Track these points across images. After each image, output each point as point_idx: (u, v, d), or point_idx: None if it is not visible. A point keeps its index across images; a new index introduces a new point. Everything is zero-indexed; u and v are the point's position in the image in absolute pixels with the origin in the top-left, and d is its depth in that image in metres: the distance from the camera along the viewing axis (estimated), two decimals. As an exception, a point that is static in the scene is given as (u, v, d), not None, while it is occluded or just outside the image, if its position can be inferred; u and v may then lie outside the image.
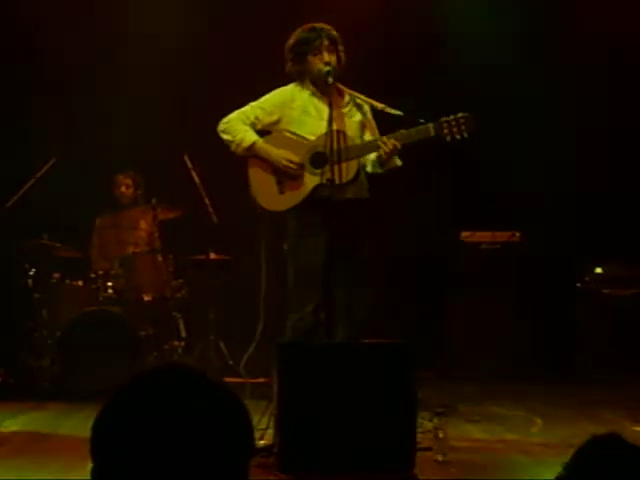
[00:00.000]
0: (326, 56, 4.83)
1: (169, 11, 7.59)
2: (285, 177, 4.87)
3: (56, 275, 6.62)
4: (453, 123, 4.62)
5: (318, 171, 4.78)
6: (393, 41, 7.55)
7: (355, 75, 4.95)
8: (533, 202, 7.50)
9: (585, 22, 7.51)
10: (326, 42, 4.84)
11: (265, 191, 4.90)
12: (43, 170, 6.67)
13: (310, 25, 4.91)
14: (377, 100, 4.89)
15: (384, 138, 4.71)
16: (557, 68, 7.58)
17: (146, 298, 6.67)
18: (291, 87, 4.96)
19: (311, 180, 4.83)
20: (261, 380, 5.54)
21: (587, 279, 7.45)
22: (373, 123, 4.94)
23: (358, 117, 4.93)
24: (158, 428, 1.26)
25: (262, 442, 4.33)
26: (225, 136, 4.94)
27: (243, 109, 4.95)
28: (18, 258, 6.73)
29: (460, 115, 4.63)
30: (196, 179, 6.80)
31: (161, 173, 7.16)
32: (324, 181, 4.69)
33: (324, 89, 4.85)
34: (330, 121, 4.59)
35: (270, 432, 4.38)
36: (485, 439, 4.93)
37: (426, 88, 7.28)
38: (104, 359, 6.14)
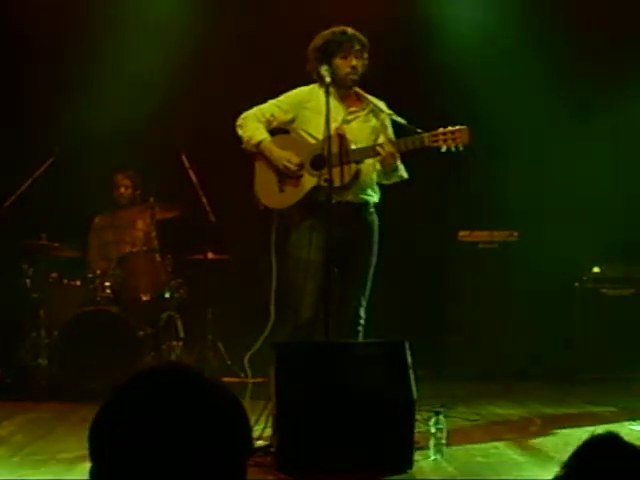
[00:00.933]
0: (354, 60, 4.86)
1: (169, 11, 7.60)
2: (286, 176, 4.93)
3: (54, 275, 6.62)
4: (448, 135, 4.66)
5: (316, 172, 4.82)
6: (393, 44, 7.54)
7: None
8: (531, 201, 7.50)
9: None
10: (357, 47, 4.88)
11: (266, 188, 4.98)
12: (41, 170, 6.66)
13: (341, 28, 4.93)
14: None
15: (383, 144, 4.77)
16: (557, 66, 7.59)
17: (144, 298, 6.66)
18: (310, 87, 4.99)
19: (309, 181, 4.88)
20: (259, 380, 5.53)
21: (585, 278, 7.46)
22: (390, 131, 4.98)
23: (373, 122, 4.97)
24: (156, 428, 1.26)
25: (260, 442, 4.33)
26: (239, 131, 5.02)
27: (261, 106, 5.02)
28: (16, 258, 6.73)
29: (456, 128, 4.67)
30: (193, 178, 6.79)
31: (158, 173, 7.15)
32: (322, 182, 4.73)
33: (343, 92, 4.90)
34: (327, 123, 4.61)
35: (268, 431, 4.39)
36: (484, 439, 4.92)
37: (426, 89, 7.27)
38: (102, 359, 6.14)
